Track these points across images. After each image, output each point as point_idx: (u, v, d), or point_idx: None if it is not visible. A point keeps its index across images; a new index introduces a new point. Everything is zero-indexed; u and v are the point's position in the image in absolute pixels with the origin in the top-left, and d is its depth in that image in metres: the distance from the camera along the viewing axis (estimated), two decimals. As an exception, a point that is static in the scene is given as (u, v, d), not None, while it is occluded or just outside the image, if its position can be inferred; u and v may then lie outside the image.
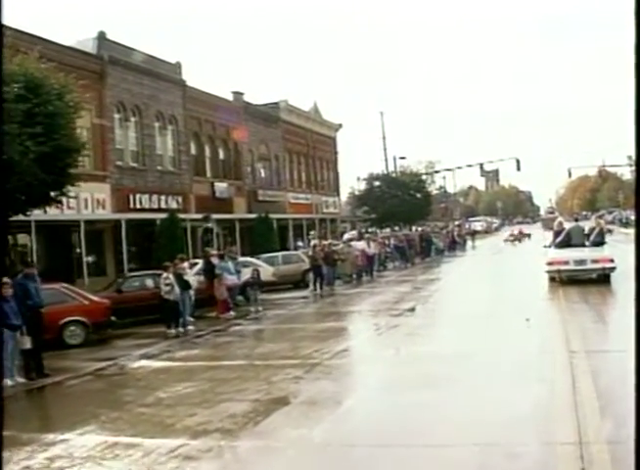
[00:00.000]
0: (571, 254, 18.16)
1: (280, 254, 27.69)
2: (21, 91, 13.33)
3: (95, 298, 15.70)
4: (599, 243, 18.89)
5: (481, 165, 55.13)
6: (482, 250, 46.46)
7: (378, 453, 5.97)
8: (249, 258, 23.87)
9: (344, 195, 55.06)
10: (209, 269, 18.64)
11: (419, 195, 48.96)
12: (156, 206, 28.14)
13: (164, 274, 15.78)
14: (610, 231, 42.82)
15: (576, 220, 22.74)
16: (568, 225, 20.81)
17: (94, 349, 14.09)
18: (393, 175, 52.46)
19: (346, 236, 41.37)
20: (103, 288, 19.00)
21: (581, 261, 17.83)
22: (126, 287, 18.43)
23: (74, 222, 22.61)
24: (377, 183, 48.06)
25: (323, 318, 17.34)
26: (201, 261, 20.38)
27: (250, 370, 10.33)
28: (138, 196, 27.45)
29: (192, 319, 16.58)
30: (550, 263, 18.22)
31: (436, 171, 73.85)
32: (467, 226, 68.34)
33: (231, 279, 18.48)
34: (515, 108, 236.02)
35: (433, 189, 71.22)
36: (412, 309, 16.34)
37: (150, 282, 17.98)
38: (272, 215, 34.47)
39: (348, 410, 7.57)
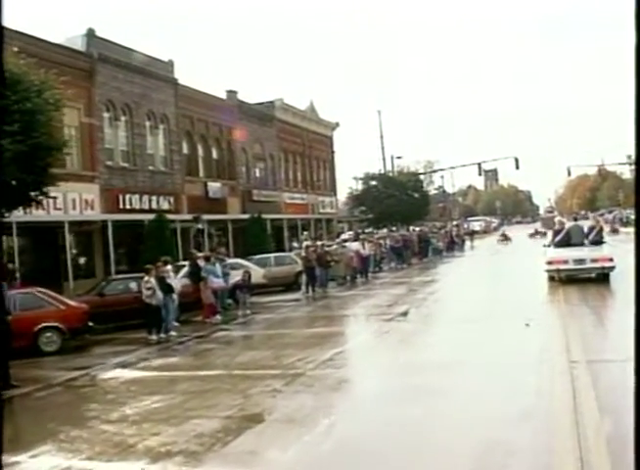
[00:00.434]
0: (571, 253, 18.08)
1: (272, 255, 27.11)
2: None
3: (72, 302, 15.04)
4: (598, 242, 18.78)
5: (480, 165, 54.41)
6: (481, 250, 45.86)
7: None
8: (238, 260, 23.22)
9: (343, 195, 54.46)
10: (195, 272, 18.03)
11: (416, 195, 48.46)
12: (146, 206, 27.53)
13: (146, 278, 15.16)
14: (615, 231, 42.37)
15: (576, 220, 22.56)
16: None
17: (69, 356, 13.44)
18: (390, 175, 51.82)
19: (343, 236, 40.70)
20: (85, 291, 18.37)
21: (581, 261, 17.77)
22: (109, 290, 17.65)
23: (61, 224, 21.98)
24: (373, 183, 47.42)
25: (312, 323, 16.71)
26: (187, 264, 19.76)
27: (226, 381, 9.67)
28: (128, 196, 26.86)
29: (177, 324, 16.04)
30: (549, 263, 18.17)
31: (434, 171, 73.35)
32: (465, 226, 67.74)
33: (217, 282, 17.86)
34: (514, 107, 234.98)
35: (431, 189, 70.76)
36: (405, 314, 15.72)
37: (133, 285, 17.24)
38: (266, 216, 33.84)
39: (327, 430, 6.91)
